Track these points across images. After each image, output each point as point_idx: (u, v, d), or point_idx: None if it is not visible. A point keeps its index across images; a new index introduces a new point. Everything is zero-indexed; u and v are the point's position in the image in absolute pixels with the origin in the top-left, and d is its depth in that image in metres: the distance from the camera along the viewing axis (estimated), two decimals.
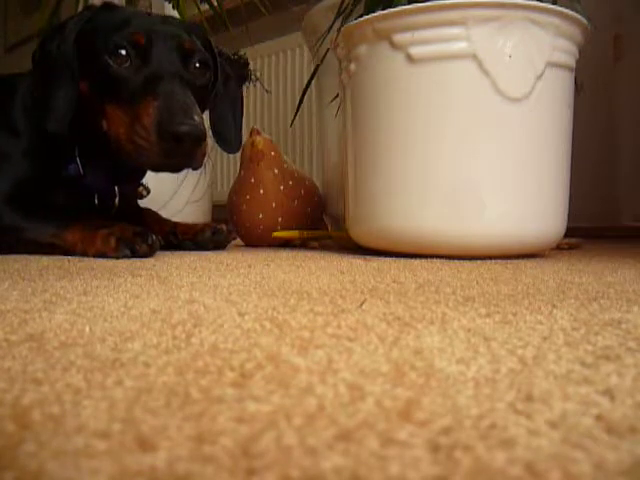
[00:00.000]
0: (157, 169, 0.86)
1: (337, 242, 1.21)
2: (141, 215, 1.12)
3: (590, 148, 1.54)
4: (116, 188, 1.01)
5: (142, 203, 1.17)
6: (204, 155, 0.83)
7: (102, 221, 0.91)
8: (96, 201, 1.00)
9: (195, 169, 0.85)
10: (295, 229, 1.25)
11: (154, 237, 0.86)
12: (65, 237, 0.89)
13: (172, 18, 0.95)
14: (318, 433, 0.19)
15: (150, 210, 1.15)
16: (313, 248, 1.21)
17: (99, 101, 0.86)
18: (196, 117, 0.78)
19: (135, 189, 1.09)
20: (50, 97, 0.88)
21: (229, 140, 1.04)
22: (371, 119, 0.90)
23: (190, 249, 1.06)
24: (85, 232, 0.87)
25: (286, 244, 1.28)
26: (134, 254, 0.83)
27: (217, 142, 1.03)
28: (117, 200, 1.01)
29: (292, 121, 1.50)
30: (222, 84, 1.01)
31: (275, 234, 1.20)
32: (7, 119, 0.98)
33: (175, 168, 0.83)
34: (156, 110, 0.77)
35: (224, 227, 1.09)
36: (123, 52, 0.84)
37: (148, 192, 1.09)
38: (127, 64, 0.84)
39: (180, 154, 0.78)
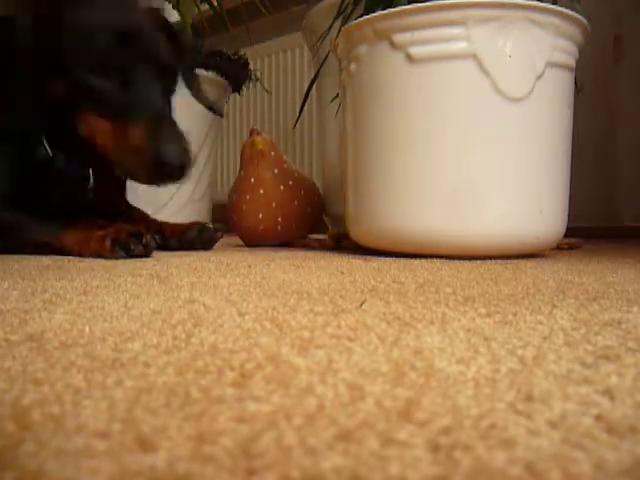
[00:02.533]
0: (144, 183, 0.88)
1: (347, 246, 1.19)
2: (131, 213, 1.11)
3: (590, 148, 1.54)
4: (90, 171, 0.97)
5: (139, 203, 1.17)
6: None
7: (99, 222, 0.91)
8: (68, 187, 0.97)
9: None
10: (295, 229, 1.25)
11: (149, 237, 0.85)
12: (62, 238, 0.89)
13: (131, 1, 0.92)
14: (318, 433, 0.19)
15: (139, 209, 1.15)
16: (313, 248, 1.21)
17: (75, 106, 0.85)
18: (185, 145, 0.81)
19: (112, 175, 1.02)
20: (10, 93, 0.85)
21: None
22: (371, 119, 0.90)
23: (176, 249, 1.05)
24: (81, 234, 0.87)
25: (286, 244, 1.28)
26: (129, 255, 0.83)
27: None
28: (91, 183, 0.97)
29: (295, 124, 1.50)
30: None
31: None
32: None
33: (161, 184, 0.86)
34: (148, 139, 0.79)
35: (211, 226, 1.08)
36: (107, 65, 0.82)
37: None
38: (113, 80, 0.82)
39: (170, 177, 0.82)
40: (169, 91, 0.90)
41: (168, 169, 0.80)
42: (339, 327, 0.35)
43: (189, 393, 0.23)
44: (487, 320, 0.37)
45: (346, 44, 0.94)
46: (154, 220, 1.13)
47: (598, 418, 0.20)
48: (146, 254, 0.85)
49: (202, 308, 0.41)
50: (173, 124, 0.83)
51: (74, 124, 0.85)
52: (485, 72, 0.81)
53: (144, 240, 0.84)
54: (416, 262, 0.79)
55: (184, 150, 0.81)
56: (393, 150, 0.87)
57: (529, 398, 0.22)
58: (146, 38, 0.86)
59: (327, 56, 1.16)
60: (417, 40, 0.83)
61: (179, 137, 0.82)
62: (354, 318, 0.38)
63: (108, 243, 0.83)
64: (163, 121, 0.82)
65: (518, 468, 0.16)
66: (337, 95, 1.10)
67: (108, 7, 0.86)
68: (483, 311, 0.41)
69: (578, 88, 0.95)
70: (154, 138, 0.80)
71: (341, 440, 0.18)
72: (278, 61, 2.26)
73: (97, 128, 0.84)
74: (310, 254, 1.00)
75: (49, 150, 0.92)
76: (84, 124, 0.85)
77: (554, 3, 0.88)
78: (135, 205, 1.16)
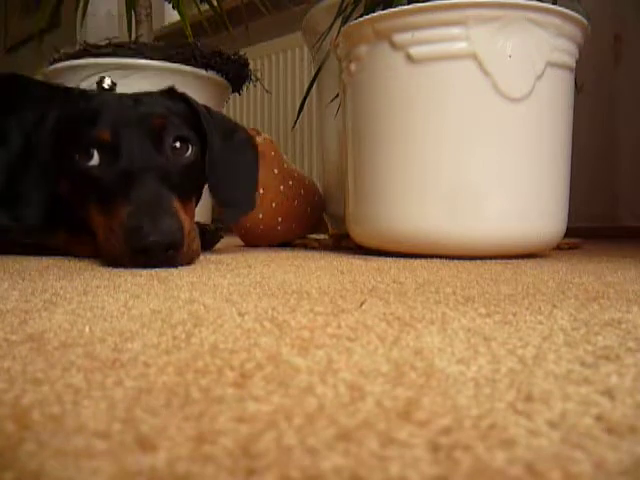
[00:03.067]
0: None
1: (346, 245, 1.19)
2: None
3: (590, 148, 1.54)
4: None
5: None
6: (192, 253, 0.75)
7: None
8: None
9: (185, 265, 0.76)
10: (295, 229, 1.25)
11: None
12: (57, 237, 0.89)
13: (146, 94, 0.89)
14: (318, 433, 0.19)
15: None
16: (313, 248, 1.21)
17: (82, 200, 0.82)
18: (167, 221, 0.70)
19: None
20: (26, 191, 0.85)
21: (235, 202, 0.93)
22: (371, 119, 0.90)
23: None
24: (77, 234, 0.87)
25: (286, 244, 1.28)
26: None
27: (222, 208, 0.93)
28: None
29: (294, 123, 1.50)
30: (221, 144, 0.91)
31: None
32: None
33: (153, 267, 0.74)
34: (125, 218, 0.71)
35: (211, 226, 1.07)
36: (92, 151, 0.79)
37: None
38: (97, 162, 0.79)
39: (154, 261, 0.71)
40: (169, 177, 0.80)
41: (143, 251, 0.69)
42: (339, 327, 0.35)
43: (189, 393, 0.23)
44: (487, 320, 0.37)
45: (346, 44, 0.94)
46: None
47: (598, 418, 0.20)
48: None
49: (202, 308, 0.41)
50: (152, 199, 0.73)
51: (88, 225, 0.83)
52: (485, 72, 0.81)
53: None
54: (416, 262, 0.79)
55: (162, 226, 0.70)
56: (393, 150, 0.87)
57: (529, 398, 0.22)
58: (133, 109, 0.83)
59: (327, 56, 1.16)
60: (417, 40, 0.83)
61: (156, 213, 0.71)
62: (354, 318, 0.38)
63: None
64: (141, 199, 0.73)
65: (518, 468, 0.16)
66: (337, 95, 1.10)
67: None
68: (483, 311, 0.41)
69: (578, 88, 0.95)
70: (128, 218, 0.71)
71: (341, 440, 0.18)
72: (278, 61, 2.26)
73: (94, 217, 0.79)
74: (310, 254, 1.00)
75: None
76: (90, 218, 0.81)
77: (554, 3, 0.88)
78: None
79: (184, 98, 0.91)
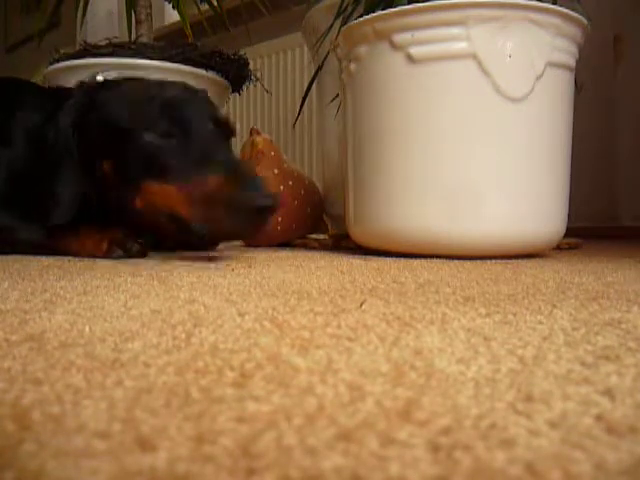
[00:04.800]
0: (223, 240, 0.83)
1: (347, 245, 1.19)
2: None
3: (590, 148, 1.54)
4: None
5: None
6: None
7: (95, 226, 0.91)
8: None
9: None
10: (295, 229, 1.25)
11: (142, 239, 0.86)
12: (58, 239, 0.89)
13: (187, 85, 0.92)
14: (318, 433, 0.19)
15: None
16: (313, 248, 1.21)
17: (131, 180, 0.82)
18: (264, 186, 0.75)
19: None
20: (54, 191, 0.85)
21: None
22: (371, 119, 0.90)
23: (174, 250, 1.04)
24: (78, 236, 0.87)
25: (286, 244, 1.28)
26: (127, 254, 0.83)
27: None
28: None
29: (294, 122, 1.50)
30: None
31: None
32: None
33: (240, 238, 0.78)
34: (229, 185, 0.72)
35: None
36: (163, 126, 0.80)
37: None
38: (171, 139, 0.80)
39: (264, 221, 0.74)
40: (229, 142, 0.87)
41: (258, 212, 0.71)
42: (339, 327, 0.35)
43: (189, 393, 0.23)
44: (487, 320, 0.37)
45: (346, 44, 0.94)
46: None
47: (598, 418, 0.20)
48: (144, 253, 0.86)
49: (202, 308, 0.41)
50: (246, 170, 0.77)
51: (132, 203, 0.83)
52: (485, 72, 0.81)
53: (127, 245, 0.84)
54: (416, 262, 0.79)
55: (267, 190, 0.75)
56: (393, 150, 0.87)
57: (529, 398, 0.22)
58: (197, 100, 0.87)
59: (327, 56, 1.16)
60: (417, 40, 0.83)
61: (256, 180, 0.75)
62: (354, 318, 0.38)
63: (105, 245, 0.84)
64: (236, 169, 0.76)
65: (518, 468, 0.16)
66: (337, 95, 1.10)
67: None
68: (483, 311, 0.41)
69: (578, 88, 0.95)
70: (240, 186, 0.73)
71: (341, 440, 0.18)
72: (278, 61, 2.26)
73: (156, 194, 0.80)
74: (310, 254, 1.00)
75: None
76: (140, 197, 0.82)
77: (554, 3, 0.88)
78: None
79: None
